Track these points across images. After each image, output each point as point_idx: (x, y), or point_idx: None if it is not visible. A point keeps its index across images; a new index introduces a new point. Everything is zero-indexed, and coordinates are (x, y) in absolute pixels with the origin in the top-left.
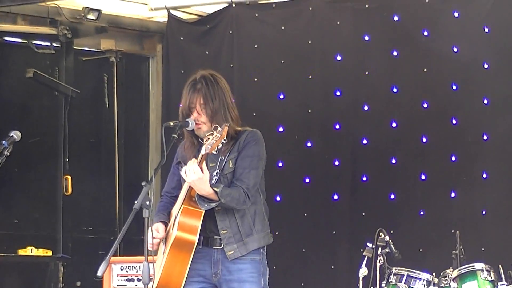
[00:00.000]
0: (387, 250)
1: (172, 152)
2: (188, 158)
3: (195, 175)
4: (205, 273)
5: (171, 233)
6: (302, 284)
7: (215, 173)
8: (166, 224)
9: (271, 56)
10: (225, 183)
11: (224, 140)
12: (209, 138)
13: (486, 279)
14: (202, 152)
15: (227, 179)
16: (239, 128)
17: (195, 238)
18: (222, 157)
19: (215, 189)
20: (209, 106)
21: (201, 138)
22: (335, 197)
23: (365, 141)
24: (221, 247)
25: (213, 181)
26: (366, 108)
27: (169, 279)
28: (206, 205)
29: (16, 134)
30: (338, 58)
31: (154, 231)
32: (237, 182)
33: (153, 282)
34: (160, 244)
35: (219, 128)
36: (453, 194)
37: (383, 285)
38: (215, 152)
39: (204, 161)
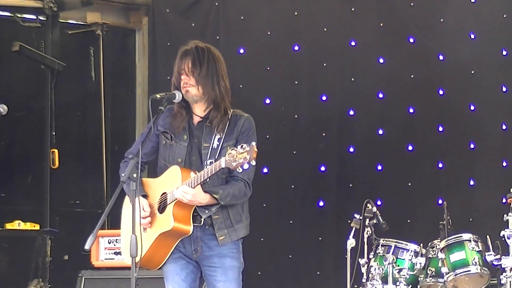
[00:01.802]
0: (375, 221)
1: None
2: (177, 128)
3: (188, 195)
4: (185, 250)
5: (156, 214)
6: (290, 256)
7: (208, 155)
8: (145, 196)
9: (257, 28)
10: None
11: (253, 162)
12: (231, 153)
13: (474, 249)
14: (223, 165)
15: None
16: (231, 108)
17: (190, 228)
18: (217, 139)
19: (215, 195)
20: (197, 69)
21: (190, 111)
22: (322, 168)
23: (352, 112)
24: (201, 224)
25: (208, 162)
26: (352, 79)
27: (151, 258)
28: (207, 211)
29: (2, 108)
30: (325, 29)
31: (142, 210)
32: (239, 174)
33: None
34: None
35: (247, 148)
36: (440, 165)
37: (370, 256)
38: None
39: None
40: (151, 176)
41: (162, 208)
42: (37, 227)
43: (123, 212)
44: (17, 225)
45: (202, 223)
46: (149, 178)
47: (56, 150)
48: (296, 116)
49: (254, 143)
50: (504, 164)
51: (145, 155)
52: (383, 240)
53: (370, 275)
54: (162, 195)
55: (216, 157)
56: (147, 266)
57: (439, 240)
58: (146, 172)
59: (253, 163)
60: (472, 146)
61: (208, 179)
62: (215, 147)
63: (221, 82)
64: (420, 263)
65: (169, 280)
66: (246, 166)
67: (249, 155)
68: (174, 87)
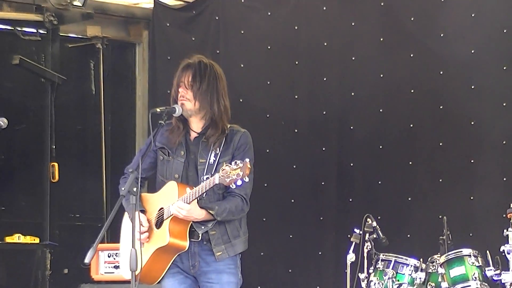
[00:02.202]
0: (375, 236)
1: None
2: (173, 143)
3: (183, 211)
4: (182, 265)
5: (153, 229)
6: (290, 271)
7: (205, 170)
8: (143, 211)
9: (258, 42)
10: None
11: (246, 178)
12: (224, 169)
13: (474, 264)
14: (216, 181)
15: None
16: (228, 125)
17: (186, 244)
18: (213, 155)
19: (211, 211)
20: (196, 84)
21: (187, 125)
22: (322, 183)
23: (352, 127)
24: (199, 239)
25: (204, 178)
26: (353, 94)
27: (148, 273)
28: (203, 227)
29: (2, 121)
30: (325, 43)
31: (140, 226)
32: (235, 190)
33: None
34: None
35: (240, 164)
36: (440, 180)
37: (370, 271)
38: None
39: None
40: (151, 192)
41: (159, 223)
42: (37, 240)
43: (123, 226)
44: (17, 238)
45: (200, 238)
46: (147, 193)
47: (56, 164)
48: (296, 131)
49: (248, 160)
50: (504, 179)
51: (144, 171)
52: (383, 255)
53: None
54: (159, 210)
55: (212, 173)
56: (144, 281)
57: (439, 255)
58: (146, 188)
59: (246, 179)
60: (472, 161)
61: (204, 195)
62: (212, 163)
63: (221, 101)
64: (420, 278)
65: None
66: (239, 182)
67: (242, 171)
68: (173, 100)
